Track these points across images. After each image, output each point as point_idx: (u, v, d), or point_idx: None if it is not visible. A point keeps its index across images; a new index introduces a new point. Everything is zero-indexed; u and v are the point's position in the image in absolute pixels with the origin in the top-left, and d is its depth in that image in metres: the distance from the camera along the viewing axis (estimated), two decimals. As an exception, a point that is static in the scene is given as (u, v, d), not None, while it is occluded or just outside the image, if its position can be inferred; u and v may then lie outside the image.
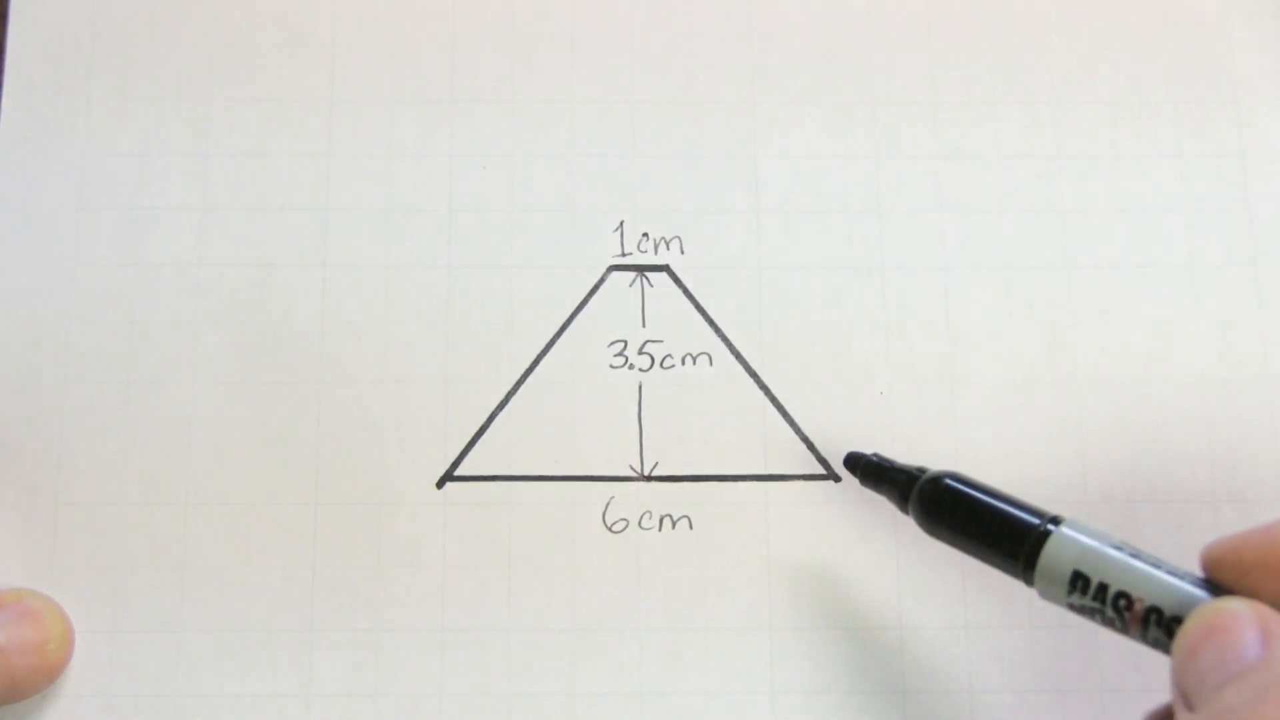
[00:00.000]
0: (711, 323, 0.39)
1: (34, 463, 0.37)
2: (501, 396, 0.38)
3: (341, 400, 0.38)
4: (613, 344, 0.39)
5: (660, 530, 0.38)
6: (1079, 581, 0.29)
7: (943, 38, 0.41)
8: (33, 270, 0.38)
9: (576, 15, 0.41)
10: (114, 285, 0.38)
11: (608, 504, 0.38)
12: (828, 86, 0.40)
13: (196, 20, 0.40)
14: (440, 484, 0.38)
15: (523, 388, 0.38)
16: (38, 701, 0.36)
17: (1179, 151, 0.40)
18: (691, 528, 0.38)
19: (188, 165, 0.39)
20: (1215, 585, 0.28)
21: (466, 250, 0.39)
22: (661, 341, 0.39)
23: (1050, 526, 0.30)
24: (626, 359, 0.39)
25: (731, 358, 0.39)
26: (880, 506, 0.38)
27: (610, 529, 0.37)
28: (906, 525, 0.37)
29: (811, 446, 0.38)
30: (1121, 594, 0.29)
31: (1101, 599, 0.29)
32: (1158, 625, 0.28)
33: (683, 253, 0.39)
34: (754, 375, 0.39)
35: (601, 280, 0.39)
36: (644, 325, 0.39)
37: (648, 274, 0.39)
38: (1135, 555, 0.29)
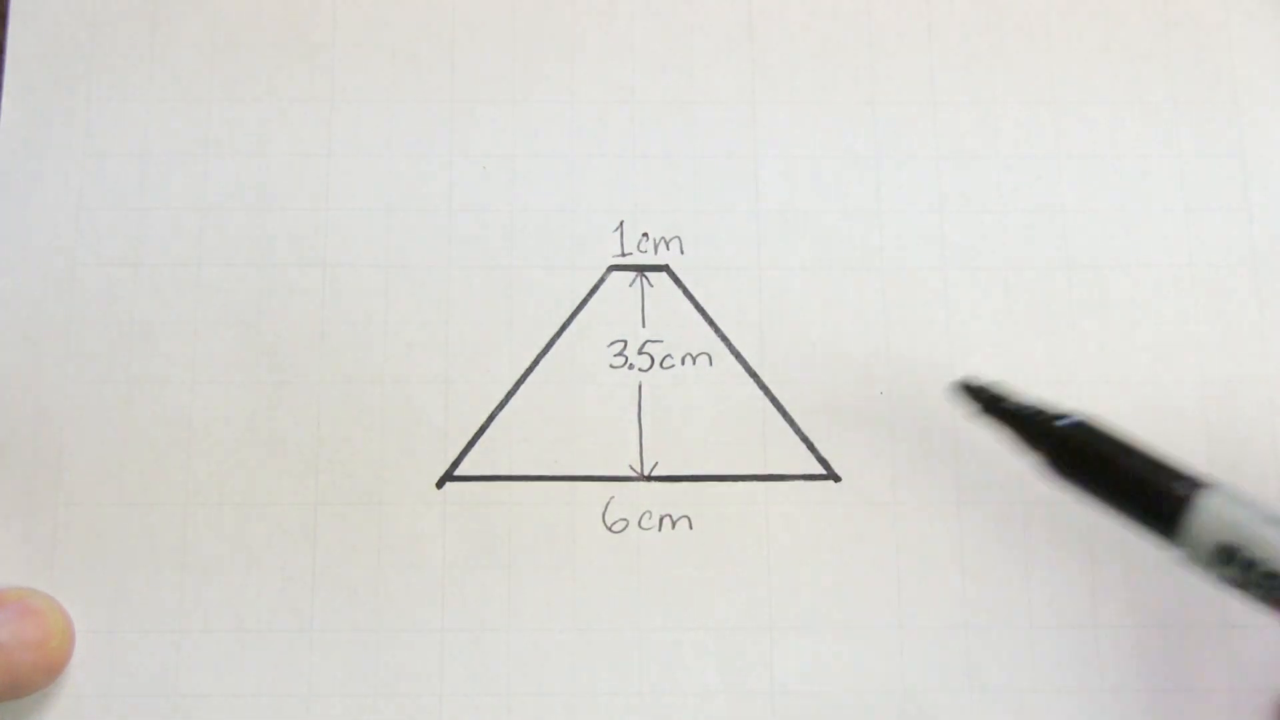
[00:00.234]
0: (711, 323, 0.39)
1: (34, 463, 0.37)
2: (501, 396, 0.38)
3: (341, 400, 0.38)
4: (613, 344, 0.39)
5: (660, 530, 0.38)
6: (1225, 554, 0.27)
7: (943, 38, 0.41)
8: (33, 270, 0.38)
9: (576, 15, 0.41)
10: (114, 285, 0.38)
11: (608, 504, 0.38)
12: (828, 86, 0.40)
13: (196, 20, 0.40)
14: (440, 484, 0.38)
15: (523, 388, 0.38)
16: (38, 701, 0.36)
17: (1179, 151, 0.40)
18: (691, 528, 0.38)
19: (188, 165, 0.39)
20: None
21: (466, 250, 0.39)
22: (661, 341, 0.39)
23: (1197, 492, 0.28)
24: (626, 359, 0.39)
25: (731, 358, 0.39)
26: (880, 506, 0.38)
27: (610, 529, 0.37)
28: (906, 525, 0.38)
29: (811, 446, 0.38)
30: (1270, 574, 0.27)
31: (1247, 574, 0.27)
32: None
33: (683, 253, 0.39)
34: (754, 375, 0.39)
35: (601, 280, 0.39)
36: (644, 325, 0.39)
37: (648, 274, 0.39)
38: None
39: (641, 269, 0.39)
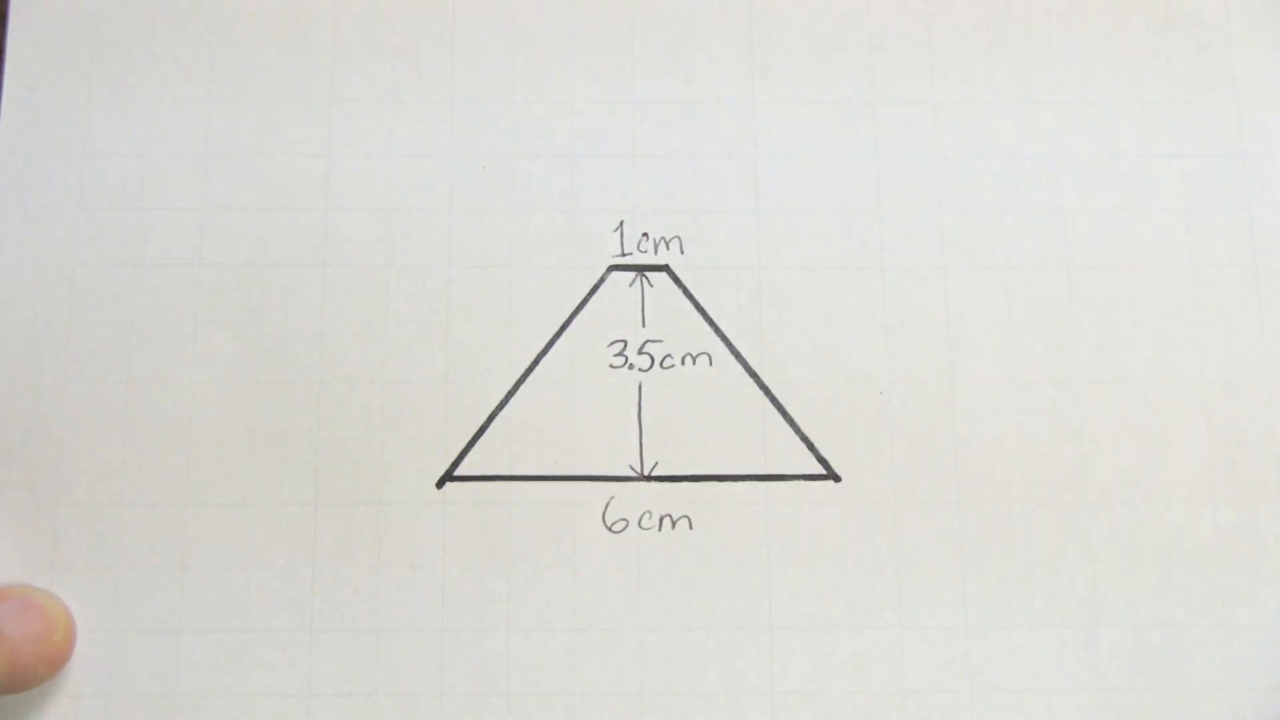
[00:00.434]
0: (711, 323, 0.39)
1: (34, 463, 0.37)
2: (501, 396, 0.38)
3: (341, 400, 0.38)
4: (613, 344, 0.39)
5: (660, 530, 0.38)
6: None
7: (943, 38, 0.41)
8: (33, 270, 0.38)
9: (576, 15, 0.41)
10: (114, 285, 0.39)
11: (608, 504, 0.38)
12: (828, 86, 0.40)
13: (196, 20, 0.40)
14: (440, 484, 0.38)
15: (523, 388, 0.38)
16: (38, 700, 0.36)
17: (1179, 151, 0.40)
18: (691, 528, 0.38)
19: (188, 165, 0.39)
20: None
21: (466, 250, 0.39)
22: (661, 341, 0.39)
23: None
24: (626, 359, 0.39)
25: (731, 358, 0.39)
26: (880, 506, 0.38)
27: (610, 529, 0.37)
28: (906, 525, 0.38)
29: (811, 446, 0.38)
30: None
31: None
32: None
33: (683, 253, 0.39)
34: (754, 375, 0.39)
35: (601, 280, 0.39)
36: (644, 325, 0.39)
37: (648, 274, 0.39)
38: None
39: (641, 269, 0.39)
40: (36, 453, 0.37)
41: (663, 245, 0.39)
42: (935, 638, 0.37)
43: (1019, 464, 0.38)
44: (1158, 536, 0.37)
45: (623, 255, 0.39)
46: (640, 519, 0.38)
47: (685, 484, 0.38)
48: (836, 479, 0.38)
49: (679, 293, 0.39)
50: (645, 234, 0.39)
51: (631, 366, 0.39)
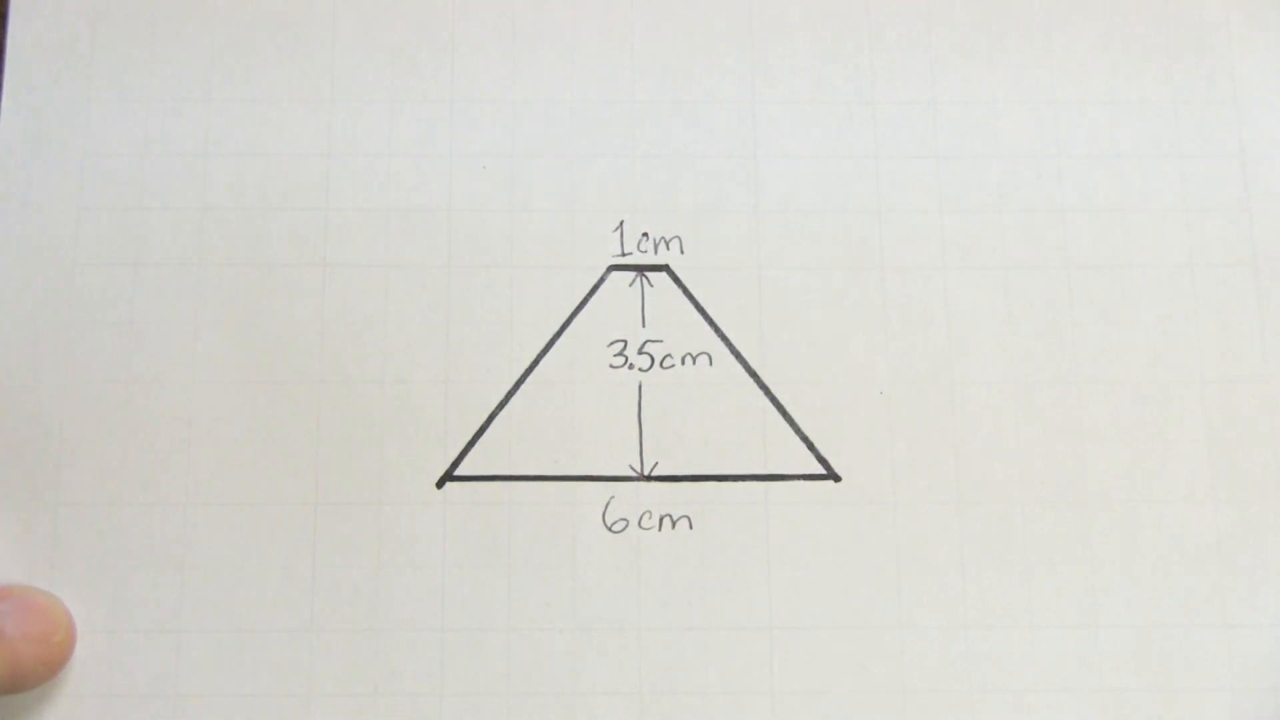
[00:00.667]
0: (711, 323, 0.39)
1: (34, 463, 0.37)
2: (501, 396, 0.38)
3: (341, 400, 0.38)
4: (613, 344, 0.39)
5: (660, 530, 0.38)
6: None
7: (943, 37, 0.41)
8: (33, 270, 0.38)
9: (576, 15, 0.41)
10: (114, 285, 0.39)
11: (608, 504, 0.38)
12: (828, 86, 0.40)
13: (196, 20, 0.40)
14: (440, 484, 0.38)
15: (523, 388, 0.38)
16: (38, 700, 0.36)
17: (1179, 151, 0.40)
18: (691, 528, 0.38)
19: (188, 165, 0.39)
20: None
21: (466, 250, 0.39)
22: (661, 341, 0.39)
23: None
24: (626, 359, 0.39)
25: (731, 358, 0.39)
26: (880, 506, 0.38)
27: (610, 529, 0.37)
28: (906, 525, 0.38)
29: (811, 446, 0.38)
30: None
31: None
32: None
33: (683, 253, 0.39)
34: (754, 375, 0.39)
35: (601, 280, 0.39)
36: (644, 325, 0.39)
37: (648, 274, 0.39)
38: None
39: (641, 269, 0.39)
40: (36, 453, 0.37)
41: (663, 245, 0.39)
42: (935, 638, 0.37)
43: (1019, 464, 0.38)
44: (1158, 536, 0.37)
45: (623, 255, 0.39)
46: (640, 519, 0.38)
47: (685, 484, 0.38)
48: (836, 479, 0.38)
49: (679, 293, 0.39)
50: (645, 234, 0.39)
51: (631, 366, 0.39)
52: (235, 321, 0.38)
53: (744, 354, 0.39)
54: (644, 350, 0.39)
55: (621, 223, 0.39)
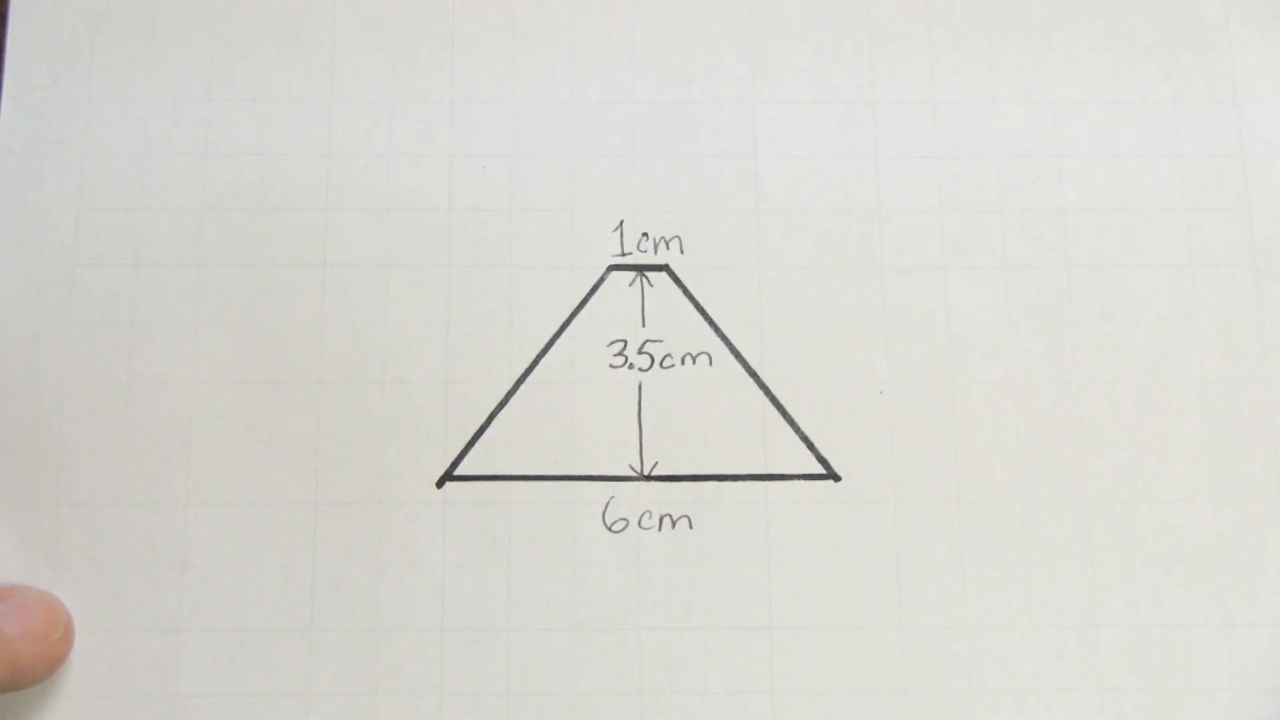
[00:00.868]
0: (711, 323, 0.39)
1: (34, 463, 0.37)
2: (501, 396, 0.38)
3: (341, 400, 0.38)
4: (613, 344, 0.39)
5: (660, 530, 0.38)
6: None
7: (943, 37, 0.41)
8: (33, 270, 0.38)
9: (576, 15, 0.41)
10: (114, 285, 0.39)
11: (608, 504, 0.38)
12: (828, 86, 0.40)
13: (196, 20, 0.40)
14: (440, 484, 0.38)
15: (523, 388, 0.38)
16: (38, 700, 0.36)
17: (1179, 151, 0.40)
18: (691, 528, 0.38)
19: (188, 165, 0.39)
20: None
21: (466, 250, 0.39)
22: (661, 341, 0.39)
23: None
24: (626, 359, 0.39)
25: (731, 358, 0.39)
26: (880, 506, 0.38)
27: (610, 529, 0.37)
28: (906, 525, 0.38)
29: (811, 446, 0.38)
30: None
31: None
32: None
33: (683, 253, 0.39)
34: (754, 375, 0.39)
35: (601, 280, 0.39)
36: (644, 325, 0.39)
37: (647, 274, 0.39)
38: None
39: (641, 269, 0.39)
40: (36, 453, 0.37)
41: (663, 245, 0.39)
42: (935, 638, 0.37)
43: (1019, 464, 0.38)
44: (1158, 536, 0.37)
45: (623, 255, 0.39)
46: (640, 519, 0.38)
47: (685, 484, 0.38)
48: (836, 479, 0.38)
49: (679, 292, 0.39)
50: (645, 234, 0.39)
51: (631, 366, 0.39)
52: (235, 321, 0.38)
53: (744, 354, 0.39)
54: (644, 350, 0.39)
55: (621, 222, 0.39)
